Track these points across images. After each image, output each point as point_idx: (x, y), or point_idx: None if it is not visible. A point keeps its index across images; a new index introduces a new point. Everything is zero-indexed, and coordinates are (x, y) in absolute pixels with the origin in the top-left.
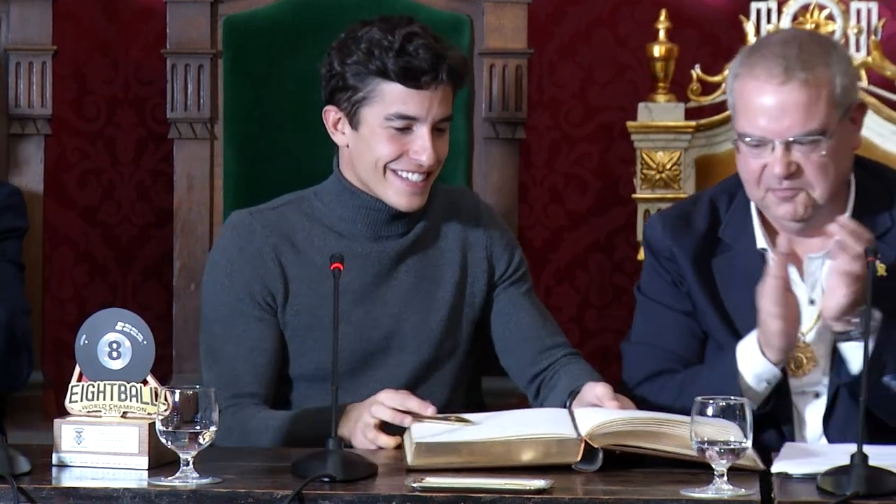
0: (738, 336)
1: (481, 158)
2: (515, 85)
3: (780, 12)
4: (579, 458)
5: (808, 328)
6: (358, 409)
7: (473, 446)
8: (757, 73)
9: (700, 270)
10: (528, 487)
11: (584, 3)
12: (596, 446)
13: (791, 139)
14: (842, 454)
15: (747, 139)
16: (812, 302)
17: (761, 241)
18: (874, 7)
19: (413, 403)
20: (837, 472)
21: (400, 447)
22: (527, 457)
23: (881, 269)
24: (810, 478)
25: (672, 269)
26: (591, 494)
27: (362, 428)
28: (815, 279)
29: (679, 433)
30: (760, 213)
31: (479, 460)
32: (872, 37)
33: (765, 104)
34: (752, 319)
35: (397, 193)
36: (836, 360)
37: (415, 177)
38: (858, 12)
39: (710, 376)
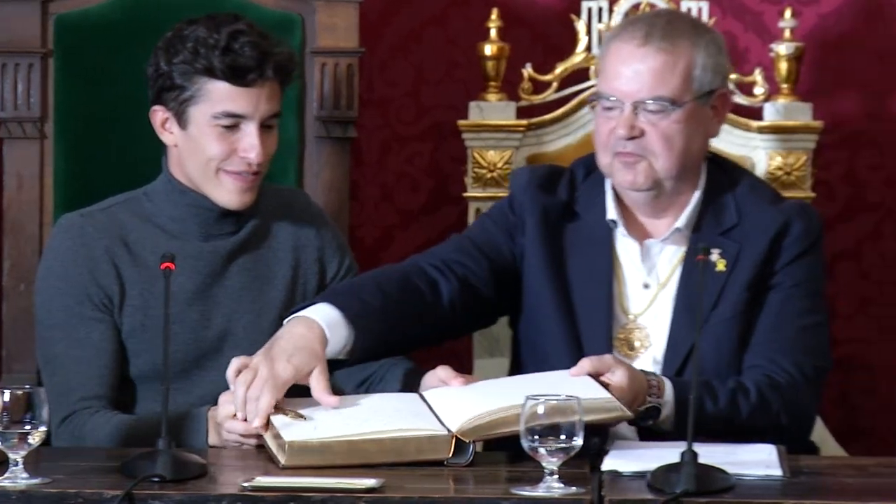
0: (569, 301)
1: (312, 157)
2: (347, 84)
3: (611, 11)
4: (450, 454)
5: (642, 311)
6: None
7: (347, 445)
8: (622, 36)
9: (548, 235)
10: (358, 486)
11: (416, 3)
12: (466, 441)
13: (639, 101)
14: (672, 452)
15: (602, 100)
16: (647, 286)
17: (612, 213)
18: (705, 6)
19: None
20: (667, 470)
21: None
22: (399, 455)
23: (721, 264)
24: (640, 476)
25: (512, 221)
26: (422, 493)
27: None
28: (653, 263)
29: None
30: (614, 188)
31: (352, 459)
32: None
33: (621, 66)
34: (588, 287)
35: (228, 192)
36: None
37: (244, 174)
38: (689, 11)
39: None
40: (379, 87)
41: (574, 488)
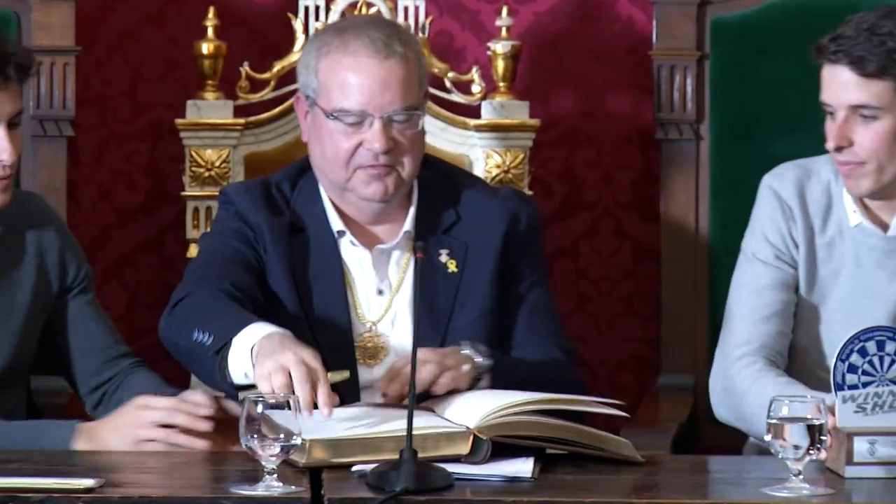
0: (312, 315)
1: (29, 156)
2: (63, 83)
3: (328, 9)
4: (468, 451)
5: (379, 317)
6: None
7: (367, 442)
8: (353, 49)
9: (285, 251)
10: (76, 487)
11: (133, 1)
12: (484, 438)
13: (391, 113)
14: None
15: (345, 117)
16: (381, 292)
17: (337, 224)
18: (422, 5)
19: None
20: (387, 469)
21: None
22: (419, 451)
23: (452, 265)
24: (362, 474)
25: (252, 237)
26: (142, 492)
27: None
28: (386, 269)
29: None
30: (330, 198)
31: (373, 457)
32: (420, 34)
33: (365, 79)
34: (326, 299)
35: None
36: None
37: None
38: (406, 9)
39: None
40: (96, 85)
41: (293, 487)
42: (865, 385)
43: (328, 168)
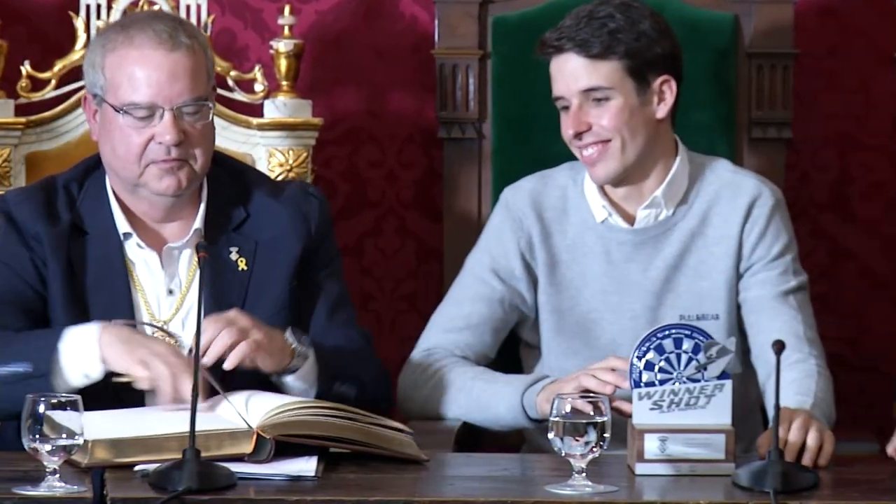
0: (92, 316)
1: None
2: None
3: (109, 8)
4: (251, 450)
5: (171, 317)
6: None
7: (149, 442)
8: (139, 43)
9: (65, 259)
10: None
11: None
12: (267, 437)
13: (180, 105)
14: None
15: (135, 110)
16: (171, 292)
17: (123, 226)
18: (204, 3)
19: None
20: (170, 468)
21: None
22: (202, 451)
23: (242, 262)
24: (145, 474)
25: (29, 257)
26: None
27: None
28: (175, 269)
29: (349, 421)
30: (118, 199)
31: (155, 456)
32: (204, 33)
33: (153, 71)
34: (109, 303)
35: None
36: None
37: None
38: (188, 8)
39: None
40: None
41: (76, 487)
42: (662, 382)
43: (120, 165)
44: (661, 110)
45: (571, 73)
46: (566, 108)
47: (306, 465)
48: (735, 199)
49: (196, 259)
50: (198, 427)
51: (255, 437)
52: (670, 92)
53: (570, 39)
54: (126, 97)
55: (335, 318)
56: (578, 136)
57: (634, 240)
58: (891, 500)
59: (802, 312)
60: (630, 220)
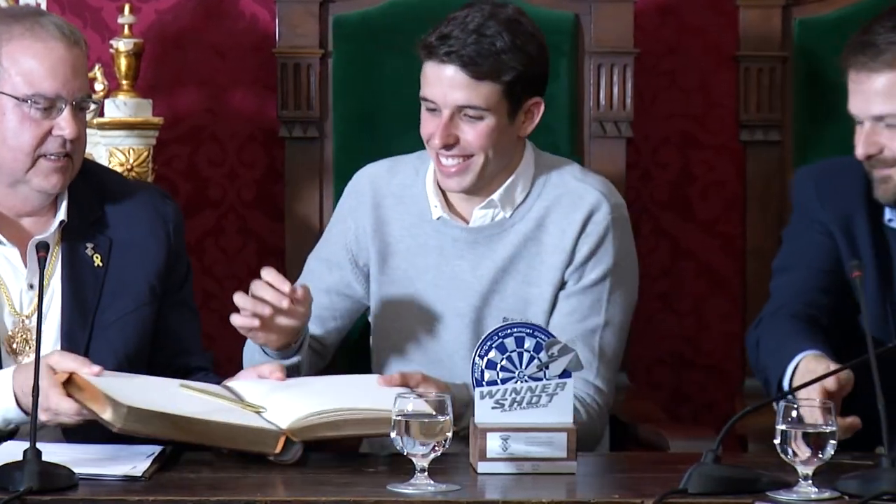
0: None
1: None
2: None
3: None
4: (278, 451)
5: (31, 311)
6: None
7: (177, 420)
8: (42, 35)
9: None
10: None
11: None
12: (296, 440)
13: (79, 99)
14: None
15: (38, 101)
16: (32, 286)
17: None
18: (43, 1)
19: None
20: (9, 468)
21: None
22: (226, 441)
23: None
24: None
25: None
26: None
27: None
28: (36, 263)
29: (372, 416)
30: None
31: (183, 435)
32: None
33: (59, 64)
34: None
35: None
36: None
37: None
38: (27, 6)
39: None
40: None
41: None
42: (504, 381)
43: (9, 156)
44: (527, 128)
45: (450, 84)
46: (433, 111)
47: (143, 465)
48: (573, 209)
49: (58, 253)
50: (231, 420)
51: (283, 439)
52: (538, 112)
53: (457, 55)
54: (30, 88)
55: (191, 327)
56: (447, 146)
57: (468, 238)
58: None
59: (599, 358)
60: (467, 217)
